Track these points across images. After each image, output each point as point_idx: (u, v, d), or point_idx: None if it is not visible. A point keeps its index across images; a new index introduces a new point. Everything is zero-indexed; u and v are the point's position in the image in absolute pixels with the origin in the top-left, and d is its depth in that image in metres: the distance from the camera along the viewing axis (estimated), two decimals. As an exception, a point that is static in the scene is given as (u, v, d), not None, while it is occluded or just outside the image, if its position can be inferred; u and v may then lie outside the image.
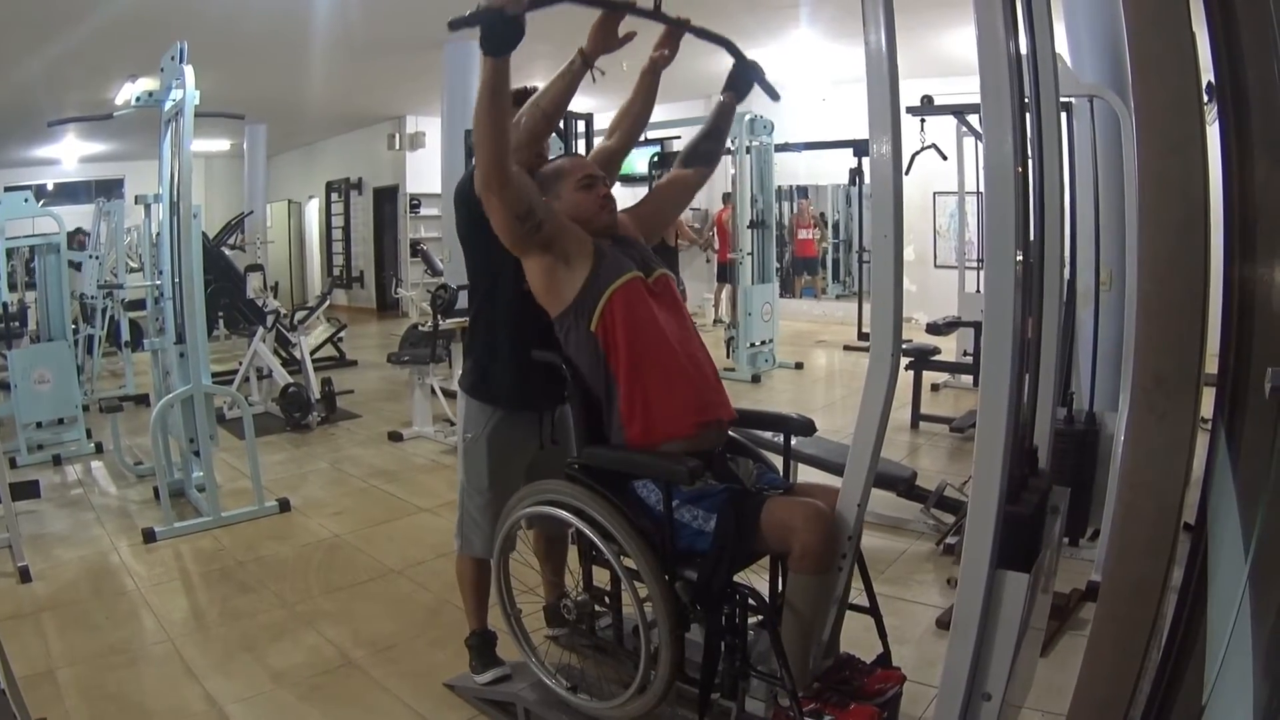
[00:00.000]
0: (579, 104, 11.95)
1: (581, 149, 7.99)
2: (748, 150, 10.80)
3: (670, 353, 3.06)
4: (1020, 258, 2.15)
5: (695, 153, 3.60)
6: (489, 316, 3.55)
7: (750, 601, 2.86)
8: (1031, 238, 2.59)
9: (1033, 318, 2.61)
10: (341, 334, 12.75)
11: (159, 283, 6.78)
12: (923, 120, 9.53)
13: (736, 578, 2.87)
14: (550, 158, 3.37)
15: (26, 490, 6.07)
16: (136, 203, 8.71)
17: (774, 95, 3.66)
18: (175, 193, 6.00)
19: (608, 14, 3.18)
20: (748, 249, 10.85)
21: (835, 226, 16.97)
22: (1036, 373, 2.77)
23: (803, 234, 16.38)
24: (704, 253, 15.98)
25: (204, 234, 9.08)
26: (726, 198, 14.71)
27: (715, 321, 15.33)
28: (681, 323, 3.20)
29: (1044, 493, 2.44)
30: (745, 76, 3.61)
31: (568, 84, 3.23)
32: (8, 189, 12.73)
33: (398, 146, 18.25)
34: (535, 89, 3.43)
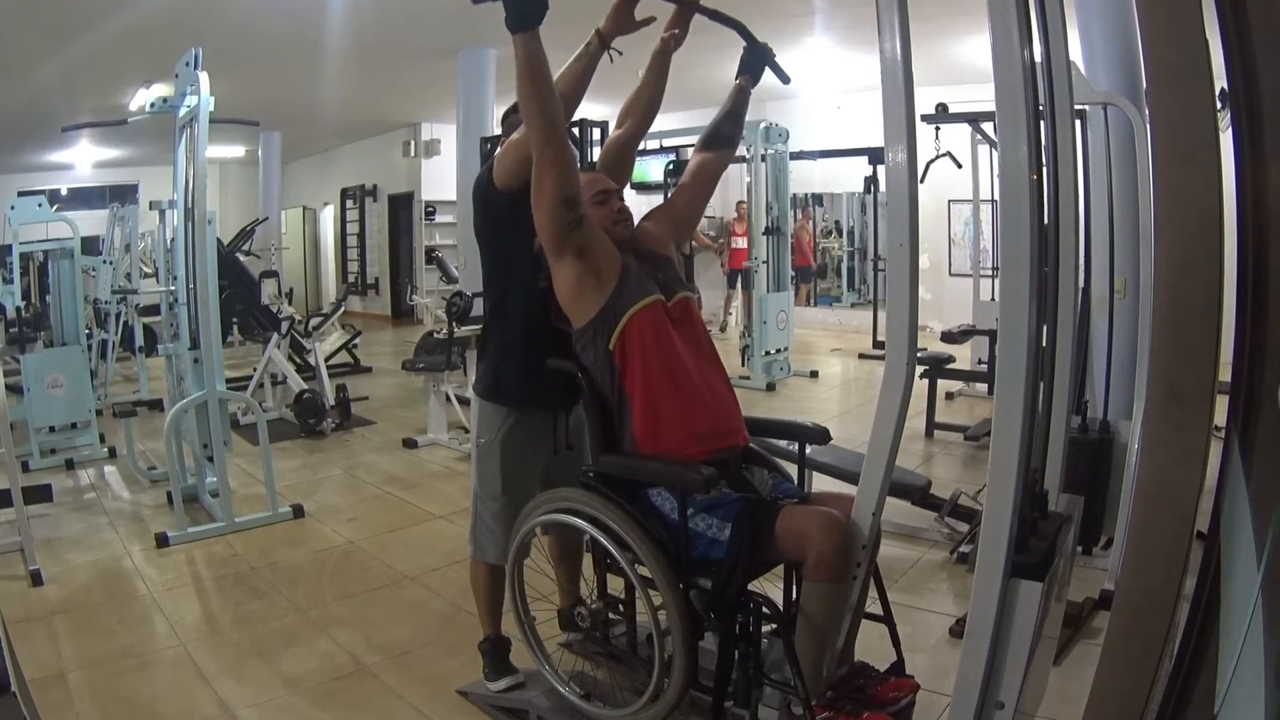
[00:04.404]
0: (595, 111, 11.95)
1: (596, 155, 7.98)
2: (763, 158, 10.78)
3: (686, 380, 3.07)
4: (1035, 266, 2.15)
5: (716, 135, 3.59)
6: (503, 313, 3.55)
7: (764, 610, 2.86)
8: (1046, 246, 2.59)
9: (1047, 326, 2.60)
10: (356, 340, 12.79)
11: (173, 288, 6.79)
12: (937, 128, 9.53)
13: (751, 586, 2.87)
14: None
15: (39, 494, 6.10)
16: (151, 208, 8.72)
17: (784, 78, 3.66)
18: (190, 198, 6.02)
19: None
20: (763, 257, 10.83)
21: (850, 234, 16.95)
22: (1051, 381, 2.77)
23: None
24: (719, 257, 15.92)
25: (219, 240, 9.09)
26: (740, 205, 14.74)
27: (722, 328, 15.32)
28: (699, 348, 3.20)
29: (1054, 536, 2.43)
30: (757, 59, 3.60)
31: (585, 66, 3.22)
32: (22, 193, 12.84)
33: (413, 154, 18.28)
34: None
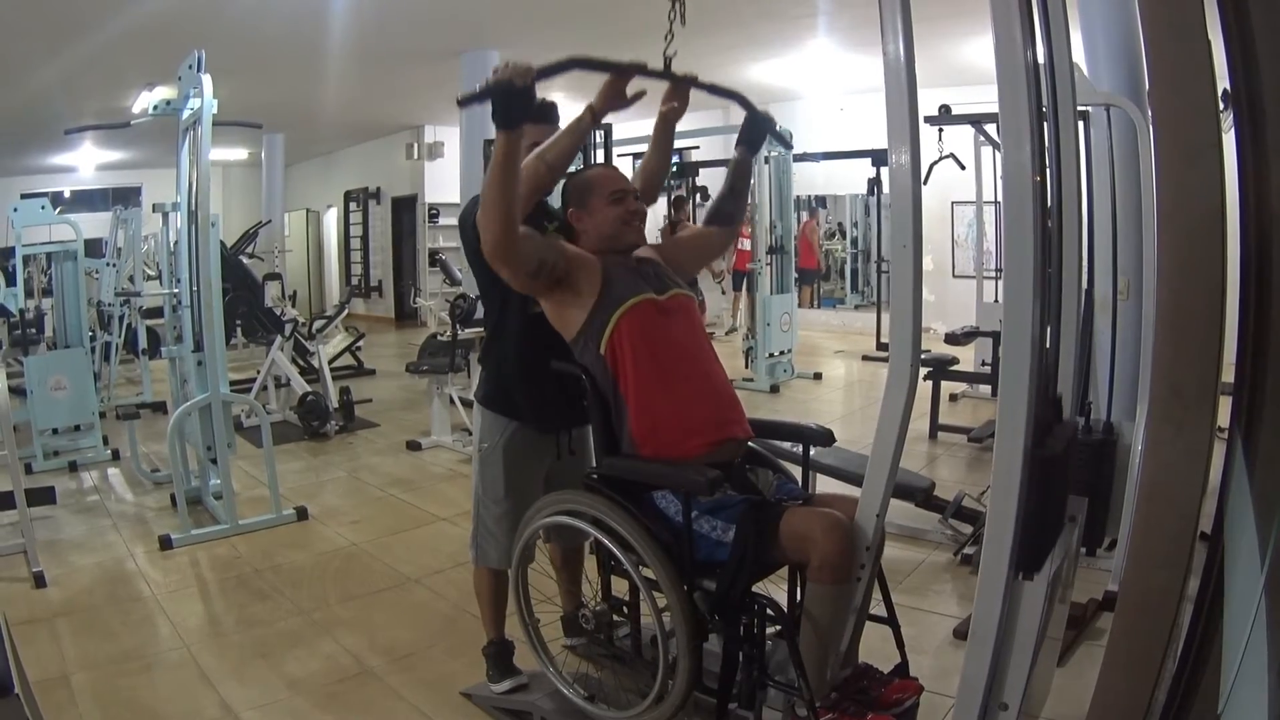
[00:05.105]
0: (596, 113, 11.91)
1: (600, 158, 7.98)
2: (766, 160, 10.77)
3: (683, 373, 3.08)
4: (1038, 267, 2.15)
5: (719, 213, 3.61)
6: (502, 335, 3.56)
7: (768, 611, 2.86)
8: (1049, 247, 2.59)
9: (1051, 327, 2.60)
10: (360, 343, 12.78)
11: (177, 291, 6.79)
12: (940, 130, 9.52)
13: (755, 588, 2.87)
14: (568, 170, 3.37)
15: (42, 496, 6.10)
16: (154, 211, 8.73)
17: (786, 144, 3.70)
18: (193, 201, 6.02)
19: (617, 75, 3.17)
20: (766, 260, 10.80)
21: (854, 240, 16.95)
22: (1055, 382, 2.77)
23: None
24: (717, 282, 15.81)
25: (222, 242, 9.10)
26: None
27: (729, 331, 15.32)
28: (696, 341, 3.21)
29: (1069, 439, 2.42)
30: (758, 129, 3.61)
31: (575, 140, 3.18)
32: (25, 196, 12.83)
33: (416, 156, 18.27)
34: (553, 104, 3.43)
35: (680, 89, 3.38)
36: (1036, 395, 2.16)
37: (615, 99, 3.16)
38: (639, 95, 3.21)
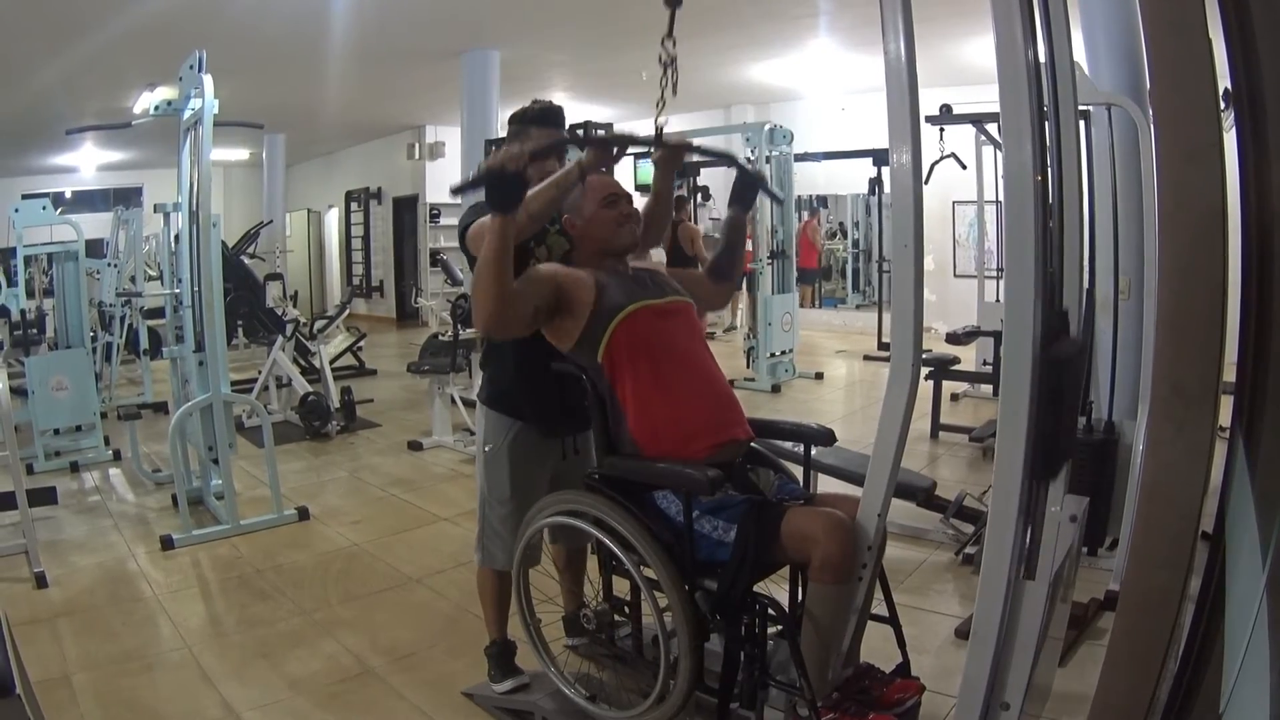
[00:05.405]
0: (599, 113, 11.94)
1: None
2: (768, 160, 10.76)
3: (682, 377, 3.10)
4: (1039, 267, 2.15)
5: (717, 269, 3.61)
6: (500, 345, 3.56)
7: (770, 611, 2.86)
8: (1050, 247, 2.58)
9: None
10: (361, 343, 12.80)
11: (178, 291, 6.79)
12: (941, 129, 9.51)
13: (756, 588, 2.87)
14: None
15: (43, 496, 6.09)
16: (155, 211, 8.75)
17: (778, 200, 3.74)
18: (194, 201, 6.02)
19: (609, 148, 3.24)
20: (768, 276, 10.78)
21: (855, 240, 16.96)
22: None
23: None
24: None
25: (223, 242, 9.10)
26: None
27: (727, 329, 15.33)
28: (695, 345, 3.23)
29: (1076, 355, 2.42)
30: (750, 188, 3.64)
31: (560, 193, 3.18)
32: (26, 196, 12.84)
33: (417, 156, 18.26)
34: (559, 108, 3.47)
35: (673, 153, 3.45)
36: (1038, 395, 2.16)
37: (604, 158, 3.24)
38: (623, 153, 3.26)
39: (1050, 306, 2.33)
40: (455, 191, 2.88)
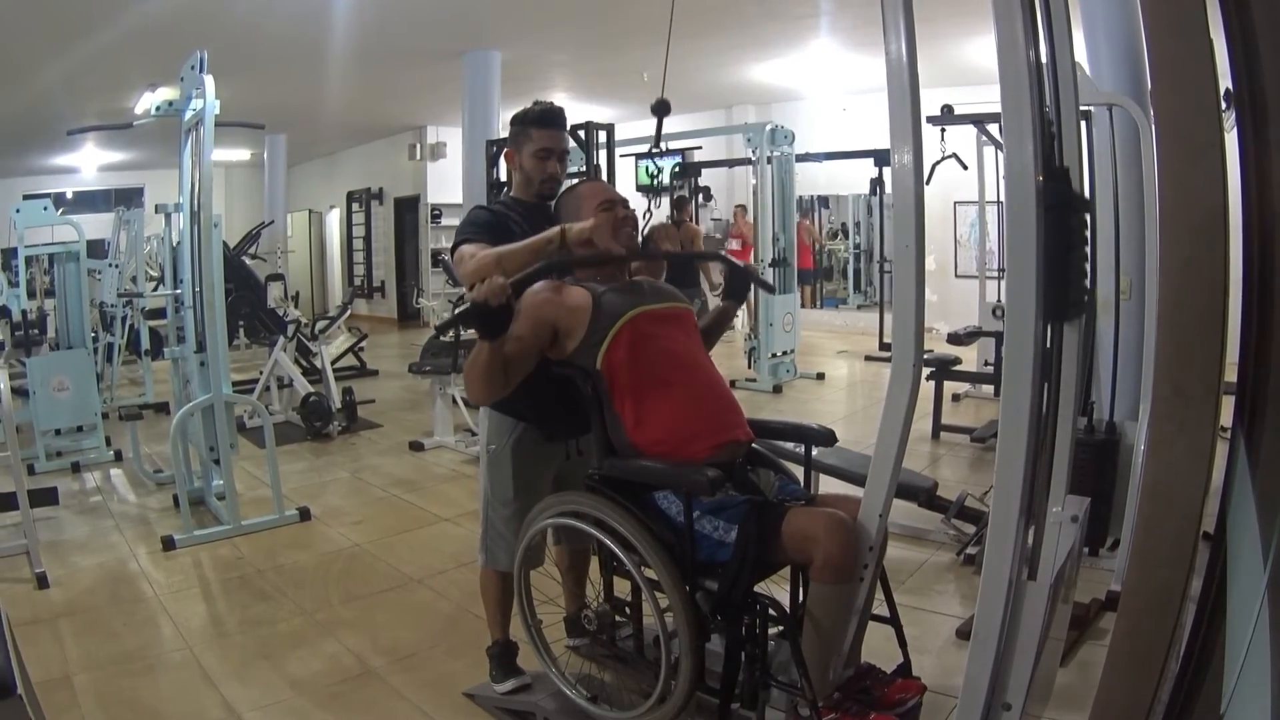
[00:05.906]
0: (600, 114, 11.93)
1: (603, 158, 7.96)
2: (769, 160, 10.76)
3: (681, 380, 3.12)
4: (1040, 268, 2.15)
5: (706, 335, 3.61)
6: None
7: (771, 612, 2.86)
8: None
9: (1053, 327, 2.59)
10: (362, 344, 12.81)
11: (179, 291, 6.79)
12: (943, 130, 9.51)
13: (757, 588, 2.87)
14: (569, 170, 3.40)
15: (45, 497, 6.09)
16: (157, 211, 8.76)
17: (770, 289, 3.80)
18: (195, 202, 6.03)
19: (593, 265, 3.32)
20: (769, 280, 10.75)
21: (857, 240, 16.95)
22: (1057, 382, 2.76)
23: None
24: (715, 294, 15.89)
25: (224, 243, 9.11)
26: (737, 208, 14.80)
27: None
28: (692, 349, 3.26)
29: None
30: (741, 282, 3.75)
31: (536, 257, 3.20)
32: (27, 197, 12.84)
33: (419, 157, 18.28)
34: (560, 109, 3.50)
35: (658, 261, 3.65)
36: (1038, 396, 2.15)
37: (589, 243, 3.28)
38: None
39: (1050, 167, 2.31)
40: (440, 330, 3.00)
